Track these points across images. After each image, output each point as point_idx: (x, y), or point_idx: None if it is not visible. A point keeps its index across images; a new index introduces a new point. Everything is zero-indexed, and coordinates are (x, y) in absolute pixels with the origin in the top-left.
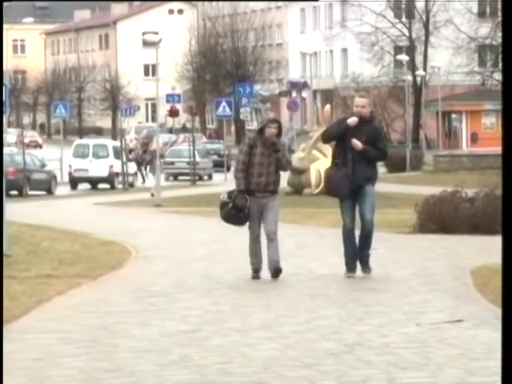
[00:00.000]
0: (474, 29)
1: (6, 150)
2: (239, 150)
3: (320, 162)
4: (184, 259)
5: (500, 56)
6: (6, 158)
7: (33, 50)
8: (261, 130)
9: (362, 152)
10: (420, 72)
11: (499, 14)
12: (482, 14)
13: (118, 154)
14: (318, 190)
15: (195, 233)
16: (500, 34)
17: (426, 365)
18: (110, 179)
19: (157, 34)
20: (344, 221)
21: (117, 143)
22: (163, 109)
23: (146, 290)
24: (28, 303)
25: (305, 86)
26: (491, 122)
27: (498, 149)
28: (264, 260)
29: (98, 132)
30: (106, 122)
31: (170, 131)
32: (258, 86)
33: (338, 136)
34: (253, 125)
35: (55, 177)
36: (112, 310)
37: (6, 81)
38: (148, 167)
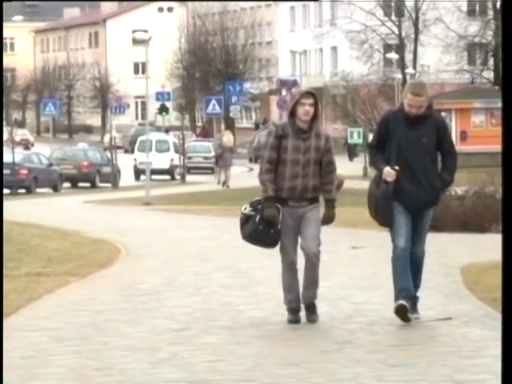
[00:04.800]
0: (464, 27)
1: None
2: (264, 143)
3: None
4: (174, 257)
5: (489, 54)
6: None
7: (22, 48)
8: (292, 113)
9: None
10: (409, 70)
11: (488, 12)
12: (471, 13)
13: (177, 148)
14: None
15: (185, 231)
16: (489, 33)
17: (415, 363)
18: (170, 171)
19: (146, 32)
20: (395, 243)
21: (175, 139)
22: (153, 107)
23: (135, 288)
24: (18, 301)
25: (294, 84)
26: (480, 121)
27: (487, 147)
28: None
29: (88, 130)
30: (95, 120)
31: (166, 130)
32: (247, 84)
33: (381, 165)
34: (242, 123)
35: (61, 175)
36: (102, 308)
37: None
38: (218, 160)
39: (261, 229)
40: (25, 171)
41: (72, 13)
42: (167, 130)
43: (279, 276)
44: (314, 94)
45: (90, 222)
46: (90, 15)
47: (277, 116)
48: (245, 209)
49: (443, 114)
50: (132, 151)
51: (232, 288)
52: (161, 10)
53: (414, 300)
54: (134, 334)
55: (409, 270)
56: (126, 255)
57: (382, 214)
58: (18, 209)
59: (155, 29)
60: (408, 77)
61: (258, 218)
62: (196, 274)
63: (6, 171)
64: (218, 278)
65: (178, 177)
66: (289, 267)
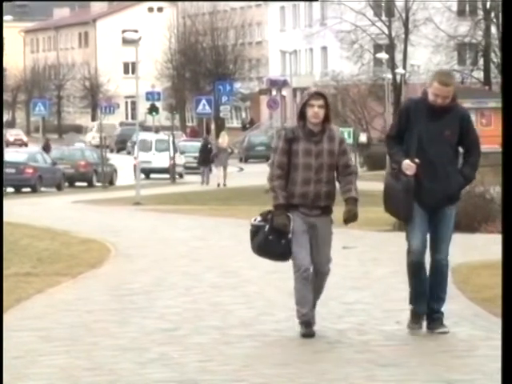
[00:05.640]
0: (454, 27)
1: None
2: (274, 147)
3: None
4: (164, 257)
5: (479, 54)
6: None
7: (12, 47)
8: (302, 115)
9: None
10: (400, 70)
11: (478, 12)
12: (461, 13)
13: (176, 148)
14: None
15: (175, 231)
16: (479, 33)
17: (405, 362)
18: (169, 170)
19: (136, 32)
20: (409, 245)
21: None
22: (143, 107)
23: (125, 288)
24: (7, 301)
25: (285, 84)
26: None
27: None
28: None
29: (78, 130)
30: (85, 120)
31: (157, 131)
32: (237, 84)
33: (400, 156)
34: (233, 123)
35: (64, 174)
36: (91, 308)
37: None
38: (215, 161)
39: (271, 239)
40: (30, 170)
41: (62, 13)
42: (157, 130)
43: (269, 276)
44: (324, 95)
45: (79, 221)
46: (80, 15)
47: (267, 116)
48: (255, 220)
49: None
50: (118, 151)
51: (222, 288)
52: (151, 10)
53: (438, 315)
54: (123, 334)
55: (425, 274)
56: (115, 255)
57: (403, 208)
58: (7, 209)
59: (145, 29)
60: (398, 77)
61: (267, 227)
62: (186, 274)
63: (11, 170)
64: (207, 277)
65: (177, 176)
66: (301, 276)
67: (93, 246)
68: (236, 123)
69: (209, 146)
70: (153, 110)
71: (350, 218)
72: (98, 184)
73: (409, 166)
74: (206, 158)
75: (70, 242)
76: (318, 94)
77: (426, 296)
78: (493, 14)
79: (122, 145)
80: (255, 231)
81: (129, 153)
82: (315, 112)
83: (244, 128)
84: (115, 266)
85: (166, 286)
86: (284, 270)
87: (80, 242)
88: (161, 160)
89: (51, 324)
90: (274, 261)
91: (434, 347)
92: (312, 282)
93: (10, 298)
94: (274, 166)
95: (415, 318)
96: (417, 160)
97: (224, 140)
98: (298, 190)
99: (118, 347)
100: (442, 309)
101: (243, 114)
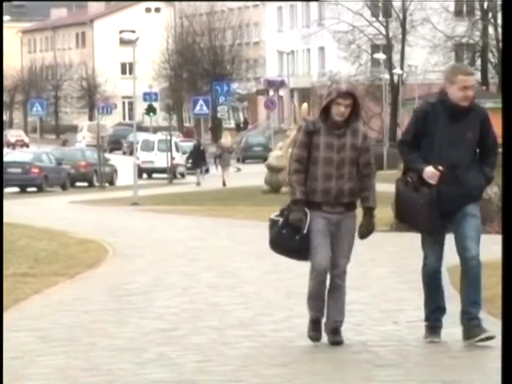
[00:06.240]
0: (451, 27)
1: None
2: (293, 141)
3: None
4: (161, 257)
5: (476, 55)
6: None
7: (9, 48)
8: (325, 109)
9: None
10: (397, 70)
11: (476, 12)
12: (458, 13)
13: (178, 147)
14: None
15: (172, 231)
16: (477, 33)
17: (403, 363)
18: (173, 170)
19: (134, 32)
20: (425, 258)
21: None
22: (140, 107)
23: (123, 288)
24: (5, 302)
25: (282, 84)
26: None
27: None
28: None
29: (75, 130)
30: (82, 121)
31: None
32: (235, 85)
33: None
34: (230, 123)
35: (69, 174)
36: (89, 308)
37: None
38: (218, 160)
39: (283, 233)
40: (36, 170)
41: (59, 13)
42: (155, 131)
43: (267, 276)
44: (353, 94)
45: (77, 222)
46: (77, 15)
47: (264, 117)
48: (273, 215)
49: None
50: (111, 151)
51: (219, 288)
52: (148, 10)
53: (476, 321)
54: (121, 334)
55: (441, 288)
56: (113, 255)
57: (427, 222)
58: (5, 209)
59: (142, 29)
60: (395, 77)
61: (281, 221)
62: (183, 274)
63: (17, 170)
64: (205, 278)
65: (179, 175)
66: (317, 275)
67: (90, 247)
68: (233, 124)
69: (201, 147)
70: (150, 110)
71: (365, 233)
72: (99, 184)
73: (433, 173)
74: (198, 160)
75: (68, 243)
76: (348, 94)
77: (444, 310)
78: (490, 15)
79: (114, 145)
80: (271, 225)
81: (124, 153)
82: (341, 111)
83: (238, 128)
84: (113, 266)
85: (164, 287)
86: (282, 271)
87: (78, 242)
88: (163, 160)
89: (49, 324)
90: (291, 258)
91: (432, 347)
92: (329, 297)
93: (7, 298)
94: (293, 159)
95: (433, 331)
96: (440, 167)
97: (227, 140)
98: (320, 185)
99: (116, 347)
100: (480, 314)
101: (240, 115)
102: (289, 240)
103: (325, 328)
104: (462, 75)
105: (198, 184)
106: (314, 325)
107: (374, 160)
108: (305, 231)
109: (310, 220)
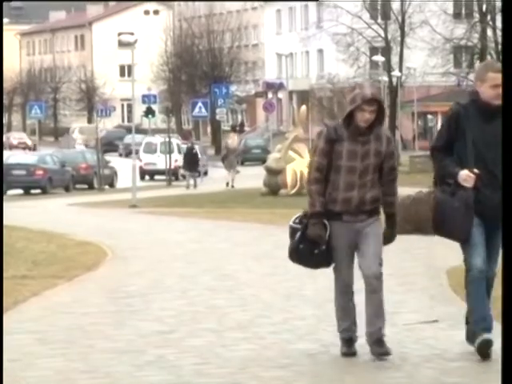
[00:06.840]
0: (450, 30)
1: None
2: (313, 147)
3: (296, 163)
4: (160, 260)
5: (475, 57)
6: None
7: (8, 50)
8: (349, 116)
9: None
10: (396, 73)
11: (474, 15)
12: (457, 15)
13: (180, 149)
14: (294, 191)
15: (171, 233)
16: (475, 35)
17: (401, 365)
18: (174, 171)
19: (132, 34)
20: (471, 263)
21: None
22: (139, 109)
23: (121, 290)
24: (4, 304)
25: (281, 86)
26: None
27: None
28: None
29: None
30: (81, 123)
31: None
32: (234, 87)
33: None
34: (229, 126)
35: (73, 175)
36: (88, 310)
37: None
38: (225, 162)
39: (301, 248)
40: (41, 172)
41: (58, 15)
42: (153, 134)
43: (265, 278)
44: (378, 100)
45: (76, 224)
46: (76, 18)
47: (263, 119)
48: (293, 221)
49: (429, 116)
50: (104, 153)
51: (218, 290)
52: (147, 12)
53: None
54: (119, 336)
55: (486, 295)
56: (112, 258)
57: (461, 227)
58: (4, 211)
59: (141, 31)
60: (394, 79)
61: (298, 235)
62: (182, 277)
63: (21, 172)
64: (204, 280)
65: (181, 177)
66: (344, 291)
67: (89, 249)
68: (230, 126)
69: (194, 151)
70: (149, 112)
71: (387, 240)
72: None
73: (468, 176)
74: (191, 163)
75: (67, 245)
76: (373, 100)
77: (491, 316)
78: (489, 17)
79: (107, 147)
80: (291, 233)
81: (120, 155)
82: (366, 118)
83: (234, 130)
84: (111, 268)
85: (162, 289)
86: (280, 273)
87: (76, 244)
88: (165, 162)
89: (47, 327)
90: (308, 267)
91: (430, 350)
92: (367, 305)
93: (6, 300)
94: (313, 168)
95: (482, 331)
96: (476, 170)
97: (234, 141)
98: (341, 195)
99: (114, 350)
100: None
101: (239, 117)
102: (307, 255)
103: (367, 338)
104: (492, 72)
105: (188, 187)
106: (347, 343)
107: (396, 165)
108: (323, 247)
109: (330, 233)
